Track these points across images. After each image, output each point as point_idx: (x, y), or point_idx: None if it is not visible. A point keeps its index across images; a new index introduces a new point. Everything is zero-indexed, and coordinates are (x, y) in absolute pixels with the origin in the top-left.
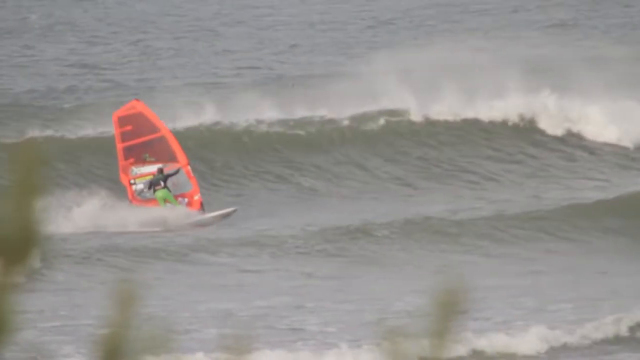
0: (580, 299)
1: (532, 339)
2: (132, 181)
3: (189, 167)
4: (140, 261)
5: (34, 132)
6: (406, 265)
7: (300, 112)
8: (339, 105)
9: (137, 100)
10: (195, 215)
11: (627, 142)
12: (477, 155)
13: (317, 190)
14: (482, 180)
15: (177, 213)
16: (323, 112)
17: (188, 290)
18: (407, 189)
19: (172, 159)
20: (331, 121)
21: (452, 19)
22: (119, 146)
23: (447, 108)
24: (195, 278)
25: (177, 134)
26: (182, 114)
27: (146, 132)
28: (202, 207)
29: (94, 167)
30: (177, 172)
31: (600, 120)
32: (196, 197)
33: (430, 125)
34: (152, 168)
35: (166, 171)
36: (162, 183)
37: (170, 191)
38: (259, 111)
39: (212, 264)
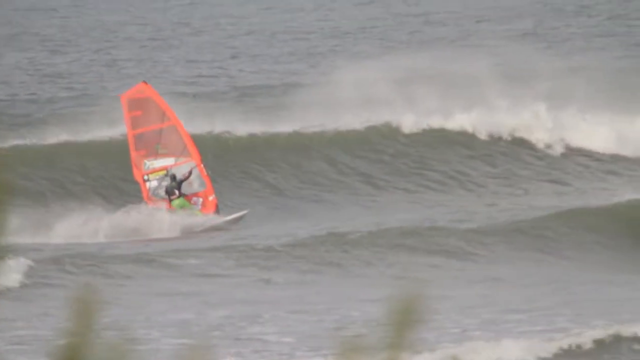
0: (536, 310)
1: (485, 350)
2: (145, 177)
3: (202, 166)
4: (103, 269)
5: None
6: (370, 273)
7: (264, 120)
8: (311, 113)
9: (145, 83)
10: (211, 220)
11: (596, 153)
12: (445, 163)
13: (285, 195)
14: (448, 189)
15: (195, 220)
16: (291, 119)
17: (148, 298)
18: (374, 197)
19: (184, 153)
20: (299, 128)
21: (415, 29)
22: (130, 134)
23: (416, 117)
24: (156, 285)
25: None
26: None
27: (157, 120)
28: (217, 209)
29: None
30: (189, 175)
31: (571, 130)
32: (210, 198)
33: (400, 133)
34: (165, 162)
35: (179, 177)
36: (176, 192)
37: (185, 195)
38: (221, 120)
39: (175, 270)
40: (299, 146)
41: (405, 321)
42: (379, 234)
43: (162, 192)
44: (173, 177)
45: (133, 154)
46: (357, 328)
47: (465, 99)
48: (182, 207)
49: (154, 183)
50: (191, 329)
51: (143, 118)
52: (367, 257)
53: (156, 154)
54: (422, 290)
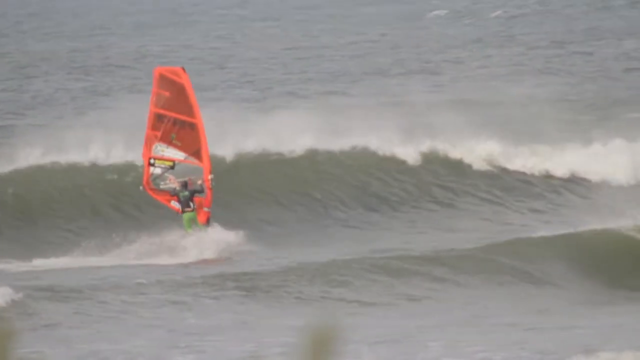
0: (450, 340)
1: None
2: (152, 160)
3: (210, 177)
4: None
5: None
6: (303, 302)
7: (228, 144)
8: (281, 139)
9: (183, 70)
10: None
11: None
12: (400, 191)
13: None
14: (394, 220)
15: (201, 238)
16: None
17: (68, 331)
18: (316, 225)
19: (197, 154)
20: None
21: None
22: (152, 110)
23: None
24: (84, 317)
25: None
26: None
27: (182, 111)
28: (209, 222)
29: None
30: (202, 189)
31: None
32: (206, 209)
33: (358, 161)
34: (175, 154)
35: (190, 187)
36: (191, 205)
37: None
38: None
39: (107, 302)
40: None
41: (318, 352)
42: (321, 265)
43: (163, 185)
44: (185, 185)
45: (148, 132)
46: (275, 356)
47: (426, 127)
48: (190, 220)
49: (157, 170)
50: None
51: (169, 101)
52: (304, 287)
53: (170, 142)
54: (337, 322)
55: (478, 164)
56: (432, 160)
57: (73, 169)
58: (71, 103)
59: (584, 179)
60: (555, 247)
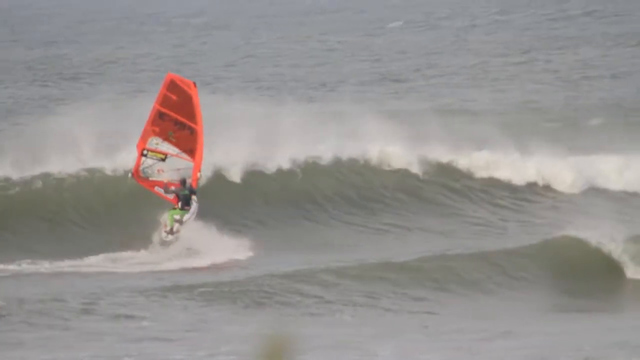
0: (400, 348)
1: None
2: (145, 152)
3: (199, 174)
4: None
5: None
6: (260, 309)
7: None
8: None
9: (194, 84)
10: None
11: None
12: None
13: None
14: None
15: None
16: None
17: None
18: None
19: (190, 152)
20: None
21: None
22: (155, 107)
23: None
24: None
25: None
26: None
27: (186, 115)
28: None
29: None
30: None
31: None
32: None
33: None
34: (169, 148)
35: (189, 182)
36: (194, 204)
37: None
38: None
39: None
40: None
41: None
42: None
43: (153, 175)
44: (183, 182)
45: (147, 126)
46: None
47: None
48: (173, 216)
49: (148, 161)
50: None
51: (174, 104)
52: (256, 296)
53: (166, 138)
54: (288, 333)
55: (434, 172)
56: (380, 171)
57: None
58: (21, 110)
59: (546, 187)
60: (513, 257)
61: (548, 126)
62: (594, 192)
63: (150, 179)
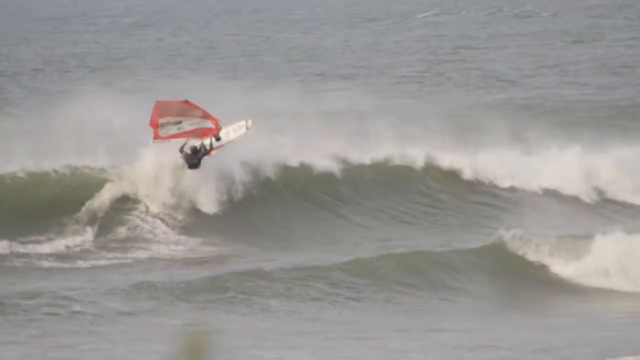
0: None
1: None
2: (160, 122)
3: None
4: None
5: None
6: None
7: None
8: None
9: (186, 101)
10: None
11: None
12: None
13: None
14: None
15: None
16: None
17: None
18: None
19: (204, 119)
20: None
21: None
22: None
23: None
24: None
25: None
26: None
27: (186, 115)
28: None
29: None
30: (206, 151)
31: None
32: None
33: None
34: (184, 120)
35: (202, 151)
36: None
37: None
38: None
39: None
40: None
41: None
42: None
43: (171, 130)
44: (195, 151)
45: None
46: None
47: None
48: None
49: (164, 129)
50: None
51: (179, 113)
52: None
53: (180, 121)
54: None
55: (406, 171)
56: (351, 170)
57: None
58: None
59: (511, 187)
60: (463, 258)
61: (518, 124)
62: (534, 190)
63: (171, 133)
